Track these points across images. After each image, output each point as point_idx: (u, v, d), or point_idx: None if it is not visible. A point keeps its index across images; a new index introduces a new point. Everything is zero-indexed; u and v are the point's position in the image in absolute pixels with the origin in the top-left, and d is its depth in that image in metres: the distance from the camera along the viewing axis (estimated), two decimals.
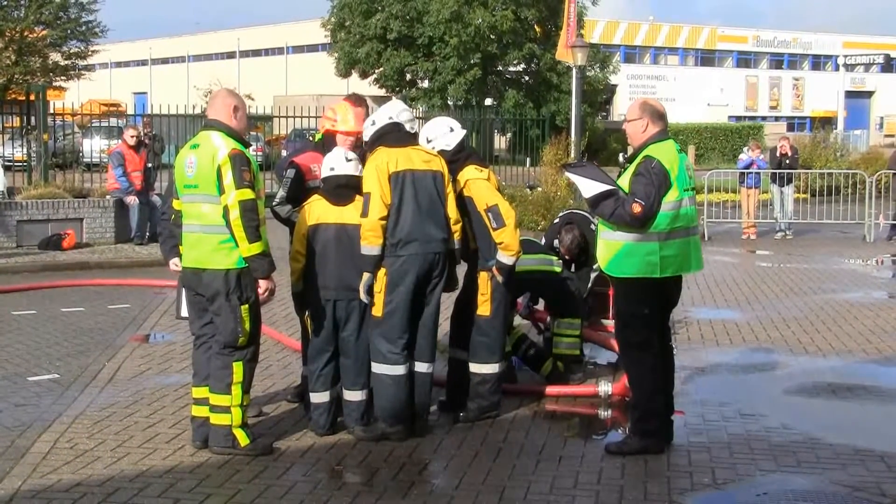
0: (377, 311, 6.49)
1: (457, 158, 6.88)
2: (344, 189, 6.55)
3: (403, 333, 6.48)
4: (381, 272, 6.46)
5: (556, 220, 9.30)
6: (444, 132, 6.98)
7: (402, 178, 6.46)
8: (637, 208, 6.08)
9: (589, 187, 6.32)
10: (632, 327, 6.42)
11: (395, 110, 6.77)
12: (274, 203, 6.87)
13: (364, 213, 6.42)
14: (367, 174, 6.52)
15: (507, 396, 7.28)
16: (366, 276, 6.43)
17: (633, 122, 6.42)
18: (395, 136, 6.62)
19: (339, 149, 6.75)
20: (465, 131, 7.13)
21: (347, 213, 6.50)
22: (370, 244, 6.40)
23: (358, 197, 6.55)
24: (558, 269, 8.18)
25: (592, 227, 8.70)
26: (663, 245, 6.19)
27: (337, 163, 6.59)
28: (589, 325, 8.93)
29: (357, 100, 7.30)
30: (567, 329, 8.16)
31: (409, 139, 6.73)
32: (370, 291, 6.46)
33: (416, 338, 6.58)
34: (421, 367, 6.62)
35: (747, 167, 19.85)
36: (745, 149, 20.73)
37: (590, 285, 8.94)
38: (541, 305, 8.93)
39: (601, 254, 6.43)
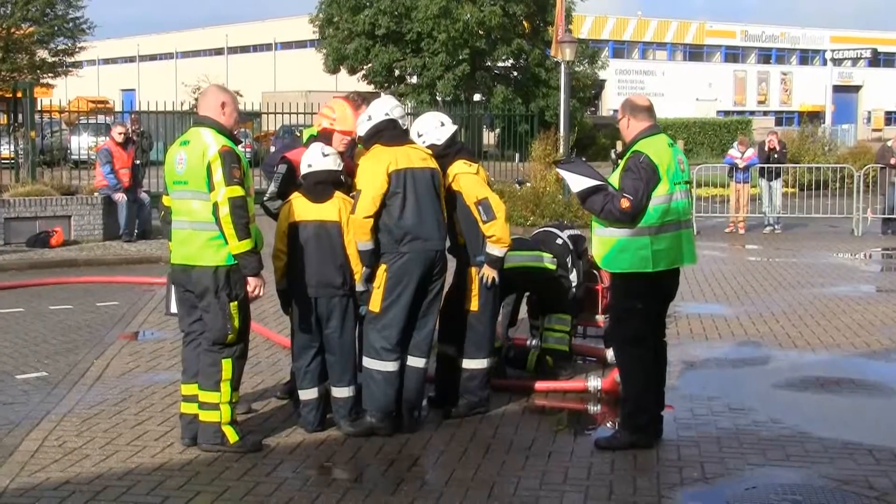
0: (374, 306, 6.48)
1: (447, 153, 6.88)
2: (322, 185, 6.54)
3: (399, 331, 6.48)
4: (381, 268, 6.46)
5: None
6: (434, 126, 6.98)
7: (403, 175, 6.46)
8: (625, 203, 6.10)
9: (578, 183, 6.37)
10: (626, 322, 6.44)
11: (389, 106, 6.76)
12: (265, 198, 6.86)
13: (352, 210, 6.44)
14: (362, 171, 6.50)
15: (496, 392, 7.29)
16: (364, 270, 6.49)
17: (620, 122, 6.57)
18: (391, 133, 6.62)
19: (317, 145, 6.71)
20: (455, 126, 7.12)
21: (326, 210, 6.50)
22: (360, 240, 6.45)
23: (337, 193, 6.55)
24: (551, 266, 8.17)
25: (559, 241, 8.68)
26: (654, 239, 6.21)
27: (314, 159, 6.58)
28: (580, 320, 8.96)
29: (357, 100, 7.18)
30: (557, 324, 8.17)
31: (405, 137, 6.74)
32: (370, 280, 6.50)
33: (413, 333, 6.58)
34: (417, 361, 6.62)
35: (734, 164, 19.89)
36: (735, 144, 20.70)
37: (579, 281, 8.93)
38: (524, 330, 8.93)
39: (596, 250, 6.47)
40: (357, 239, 6.44)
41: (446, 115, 7.23)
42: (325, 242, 6.47)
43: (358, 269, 6.51)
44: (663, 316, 6.71)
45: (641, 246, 6.20)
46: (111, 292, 12.08)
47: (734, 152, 20.05)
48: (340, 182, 6.63)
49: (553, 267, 8.18)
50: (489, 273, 6.80)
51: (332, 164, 6.58)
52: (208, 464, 5.99)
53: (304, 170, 6.59)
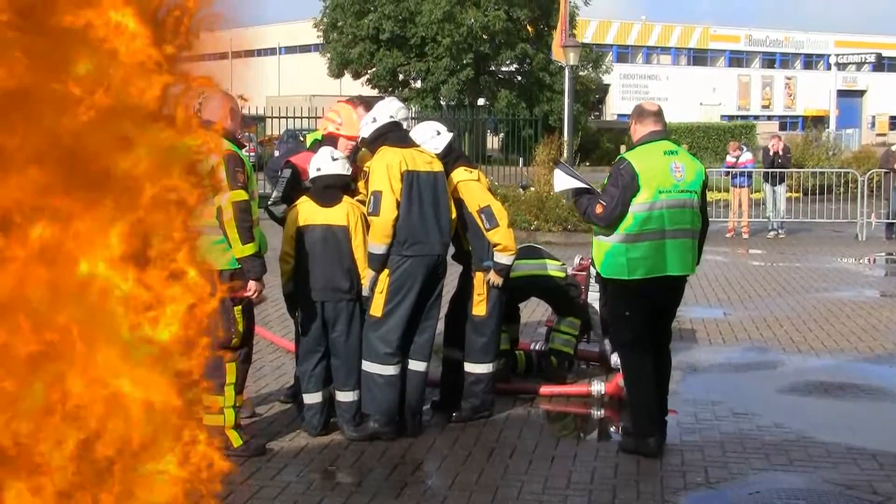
0: (376, 310, 6.47)
1: (445, 161, 6.87)
2: (331, 189, 6.55)
3: (401, 335, 6.48)
4: (384, 273, 6.45)
5: None
6: (430, 136, 6.97)
7: (411, 177, 6.46)
8: (598, 209, 6.16)
9: (565, 182, 6.60)
10: (617, 327, 6.50)
11: (394, 108, 6.77)
12: (269, 202, 6.86)
13: (374, 212, 6.36)
14: (376, 172, 6.45)
15: (500, 396, 7.29)
16: (371, 273, 6.42)
17: (630, 129, 6.58)
18: (396, 135, 6.62)
19: (326, 149, 6.71)
20: (451, 134, 7.12)
21: (334, 214, 6.50)
22: (379, 242, 6.37)
23: (346, 197, 6.55)
24: (557, 274, 8.19)
25: None
26: (630, 247, 6.16)
27: (323, 163, 6.59)
28: None
29: (361, 103, 7.18)
30: (566, 327, 8.19)
31: (410, 140, 6.74)
32: (373, 288, 6.45)
33: (414, 337, 6.59)
34: (418, 365, 6.62)
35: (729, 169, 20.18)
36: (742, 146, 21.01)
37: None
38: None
39: (594, 254, 6.53)
40: (376, 241, 6.36)
41: (441, 124, 7.24)
42: (333, 246, 6.47)
43: (365, 274, 6.51)
44: (666, 327, 6.62)
45: (618, 253, 6.20)
46: None
47: (729, 157, 20.38)
48: (349, 186, 6.64)
49: (560, 275, 8.21)
50: (496, 279, 6.83)
51: (342, 168, 6.59)
52: None
53: (312, 173, 6.59)
